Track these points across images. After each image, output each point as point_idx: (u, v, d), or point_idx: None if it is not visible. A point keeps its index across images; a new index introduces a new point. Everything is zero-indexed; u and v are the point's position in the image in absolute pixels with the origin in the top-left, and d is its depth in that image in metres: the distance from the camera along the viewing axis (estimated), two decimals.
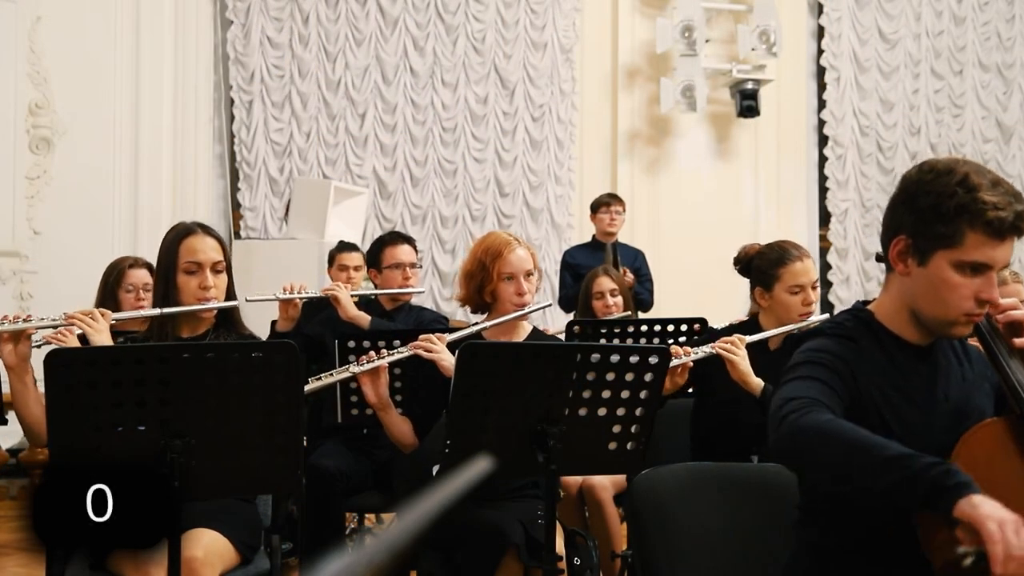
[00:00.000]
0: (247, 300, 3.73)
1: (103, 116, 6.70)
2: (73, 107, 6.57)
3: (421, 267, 4.84)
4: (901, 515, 1.69)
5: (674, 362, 2.85)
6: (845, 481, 1.60)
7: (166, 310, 2.65)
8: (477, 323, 2.98)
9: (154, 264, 3.88)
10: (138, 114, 6.82)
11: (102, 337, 2.71)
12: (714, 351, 2.96)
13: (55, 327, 2.74)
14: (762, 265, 3.15)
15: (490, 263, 2.88)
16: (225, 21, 7.33)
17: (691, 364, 2.93)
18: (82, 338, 2.82)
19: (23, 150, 6.44)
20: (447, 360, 2.74)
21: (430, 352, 2.79)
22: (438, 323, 4.10)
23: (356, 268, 4.65)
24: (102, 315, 2.78)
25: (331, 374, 2.85)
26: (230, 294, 2.74)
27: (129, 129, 6.79)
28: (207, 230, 2.71)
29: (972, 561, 1.42)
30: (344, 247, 4.81)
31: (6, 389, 3.17)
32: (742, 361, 2.93)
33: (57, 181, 6.51)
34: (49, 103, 6.51)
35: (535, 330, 3.11)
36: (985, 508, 1.43)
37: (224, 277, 2.70)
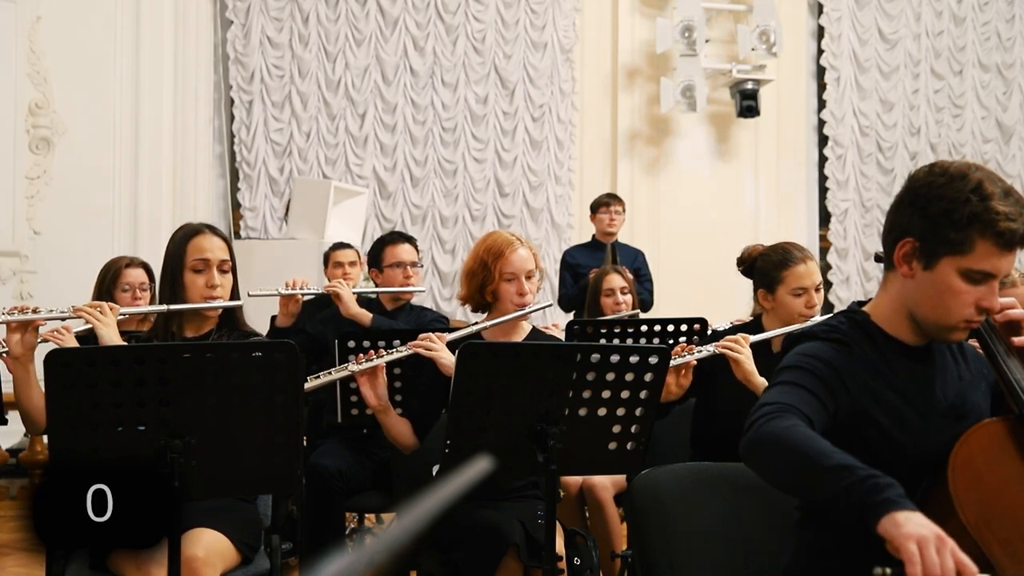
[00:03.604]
0: (249, 294, 3.75)
1: (103, 116, 6.69)
2: (73, 107, 6.56)
3: (422, 266, 4.84)
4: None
5: (677, 361, 2.84)
6: (792, 489, 1.61)
7: (173, 307, 2.69)
8: (477, 323, 2.98)
9: (150, 264, 3.91)
10: (138, 114, 6.81)
11: (110, 331, 2.73)
12: (718, 350, 2.94)
13: (63, 319, 2.77)
14: (765, 267, 3.14)
15: (492, 263, 2.88)
16: (225, 21, 7.33)
17: (695, 363, 2.91)
18: (81, 339, 2.82)
19: (23, 150, 6.43)
20: (446, 358, 2.75)
21: (430, 350, 2.79)
22: (438, 323, 4.10)
23: (351, 263, 4.67)
24: (110, 309, 2.80)
25: (329, 372, 2.86)
26: (234, 294, 2.79)
27: (129, 129, 6.78)
28: (214, 230, 2.76)
29: None
30: (337, 246, 4.84)
31: (6, 389, 3.17)
32: (746, 360, 2.90)
33: (57, 181, 6.51)
34: (49, 103, 6.51)
35: (534, 329, 3.11)
36: (907, 527, 1.40)
37: (230, 277, 2.75)
